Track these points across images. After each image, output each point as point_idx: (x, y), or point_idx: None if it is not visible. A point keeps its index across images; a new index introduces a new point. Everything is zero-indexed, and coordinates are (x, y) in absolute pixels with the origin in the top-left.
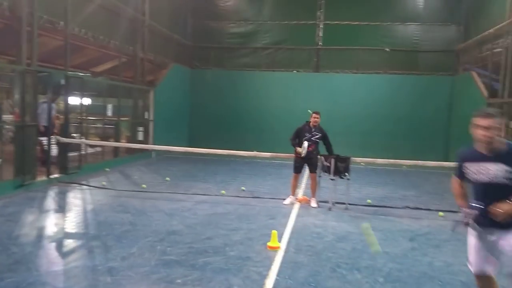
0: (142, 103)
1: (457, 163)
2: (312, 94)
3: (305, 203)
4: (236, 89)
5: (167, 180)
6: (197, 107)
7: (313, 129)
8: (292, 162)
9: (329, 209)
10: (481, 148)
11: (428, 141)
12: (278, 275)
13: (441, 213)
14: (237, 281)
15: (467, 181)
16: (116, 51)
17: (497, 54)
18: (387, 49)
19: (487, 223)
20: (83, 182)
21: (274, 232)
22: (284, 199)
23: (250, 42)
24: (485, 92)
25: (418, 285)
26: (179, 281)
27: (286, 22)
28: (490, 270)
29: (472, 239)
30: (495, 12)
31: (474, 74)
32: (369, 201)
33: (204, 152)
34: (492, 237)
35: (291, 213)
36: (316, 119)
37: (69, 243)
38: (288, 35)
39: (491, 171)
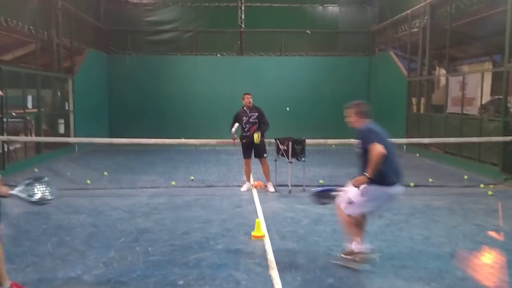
0: (61, 93)
1: None
2: (237, 78)
3: (261, 188)
4: (157, 74)
5: (105, 175)
6: (117, 94)
7: (248, 111)
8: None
9: (289, 192)
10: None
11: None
12: (278, 264)
13: (412, 183)
14: (242, 276)
15: None
16: (29, 36)
17: (414, 34)
18: (308, 31)
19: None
20: (12, 183)
21: (258, 221)
22: (238, 186)
23: (170, 25)
24: (404, 71)
25: (414, 260)
26: (181, 282)
27: (207, 4)
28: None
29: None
30: None
31: (392, 54)
32: (321, 181)
33: (136, 142)
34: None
35: (254, 200)
36: (248, 99)
37: (30, 251)
38: (209, 17)
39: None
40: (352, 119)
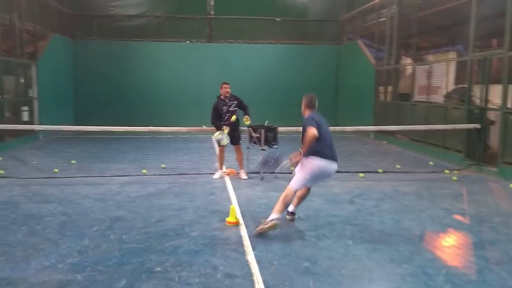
0: (25, 79)
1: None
2: (206, 65)
3: (233, 176)
4: (125, 61)
5: (73, 164)
6: (83, 81)
7: (227, 100)
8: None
9: (262, 179)
10: None
11: (319, 107)
12: (254, 249)
13: (361, 174)
14: (219, 261)
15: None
16: None
17: (382, 23)
18: (278, 19)
19: None
20: None
21: (233, 207)
22: (210, 173)
23: (137, 10)
24: (372, 60)
25: (385, 243)
26: (158, 269)
27: None
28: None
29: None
30: None
31: (360, 43)
32: (292, 168)
33: (107, 130)
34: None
35: (227, 187)
36: (227, 89)
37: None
38: (177, 3)
39: None
40: (302, 109)
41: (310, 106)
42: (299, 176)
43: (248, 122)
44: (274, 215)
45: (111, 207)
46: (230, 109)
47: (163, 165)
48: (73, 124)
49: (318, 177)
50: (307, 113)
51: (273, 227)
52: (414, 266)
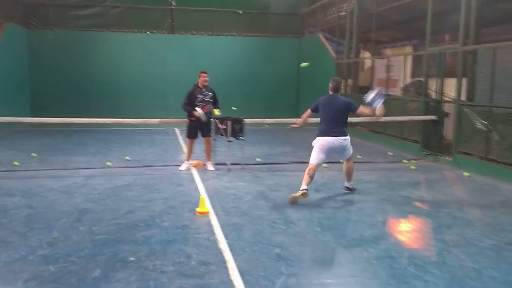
0: None
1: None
2: (168, 56)
3: (200, 167)
4: (83, 51)
5: (33, 156)
6: (39, 72)
7: (203, 90)
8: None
9: (229, 170)
10: None
11: (281, 100)
12: (226, 238)
13: (325, 165)
14: (192, 250)
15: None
16: None
17: (342, 17)
18: (240, 11)
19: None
20: None
21: (202, 197)
22: (176, 165)
23: (95, 0)
24: (332, 53)
25: (351, 229)
26: (132, 258)
27: None
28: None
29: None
30: None
31: (321, 37)
32: (258, 159)
33: (70, 122)
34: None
35: (195, 179)
36: (205, 79)
37: None
38: None
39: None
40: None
41: (329, 88)
42: (311, 153)
43: (219, 114)
44: (303, 186)
45: (78, 199)
46: (205, 99)
47: (128, 157)
48: (29, 116)
49: (325, 151)
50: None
51: (303, 195)
52: (379, 249)
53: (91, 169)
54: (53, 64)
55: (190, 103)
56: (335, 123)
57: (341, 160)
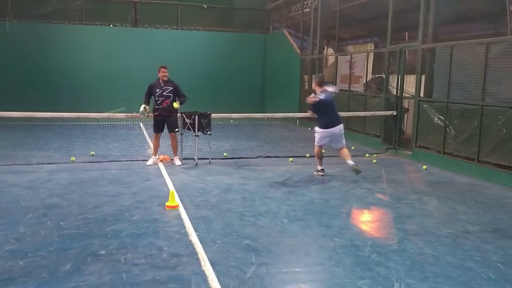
0: None
1: None
2: (132, 50)
3: (166, 162)
4: (42, 44)
5: None
6: None
7: (163, 84)
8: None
9: (196, 165)
10: None
11: (247, 95)
12: (196, 231)
13: (290, 159)
14: (163, 242)
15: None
16: None
17: (307, 14)
18: (205, 6)
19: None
20: None
21: (172, 191)
22: (142, 160)
23: None
24: (297, 49)
25: (317, 220)
26: (103, 252)
27: None
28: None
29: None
30: None
31: (286, 33)
32: (225, 154)
33: (34, 116)
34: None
35: (162, 173)
36: (164, 74)
37: None
38: None
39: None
40: (314, 87)
41: (317, 84)
42: (316, 138)
43: (176, 106)
44: (318, 167)
45: (42, 194)
46: (164, 93)
47: (92, 152)
48: None
49: (325, 140)
50: (318, 90)
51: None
52: (344, 239)
53: (55, 164)
54: (13, 56)
55: (148, 95)
56: (336, 113)
57: (307, 155)
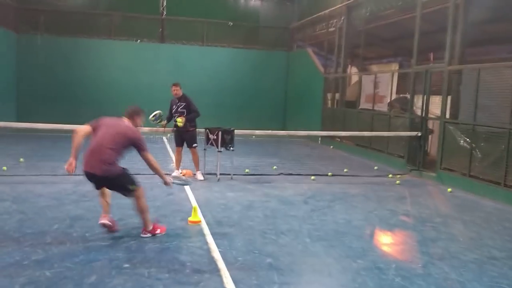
0: None
1: None
2: (157, 66)
3: (189, 177)
4: (72, 58)
5: (21, 162)
6: (27, 77)
7: (177, 101)
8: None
9: (218, 180)
10: None
11: (269, 111)
12: (218, 247)
13: (312, 177)
14: (186, 258)
15: None
16: None
17: (331, 33)
18: (230, 23)
19: None
20: None
21: (195, 207)
22: (166, 174)
23: (86, 7)
24: (320, 68)
25: (340, 241)
26: (127, 265)
27: None
28: None
29: None
30: None
31: (310, 51)
32: (247, 170)
33: (60, 129)
34: None
35: (185, 188)
36: (175, 91)
37: None
38: (129, 1)
39: None
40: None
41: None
42: None
43: (180, 123)
44: None
45: (68, 206)
46: (178, 109)
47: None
48: (15, 121)
49: None
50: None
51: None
52: (367, 261)
53: (81, 176)
54: (42, 69)
55: (170, 111)
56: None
57: (329, 174)
